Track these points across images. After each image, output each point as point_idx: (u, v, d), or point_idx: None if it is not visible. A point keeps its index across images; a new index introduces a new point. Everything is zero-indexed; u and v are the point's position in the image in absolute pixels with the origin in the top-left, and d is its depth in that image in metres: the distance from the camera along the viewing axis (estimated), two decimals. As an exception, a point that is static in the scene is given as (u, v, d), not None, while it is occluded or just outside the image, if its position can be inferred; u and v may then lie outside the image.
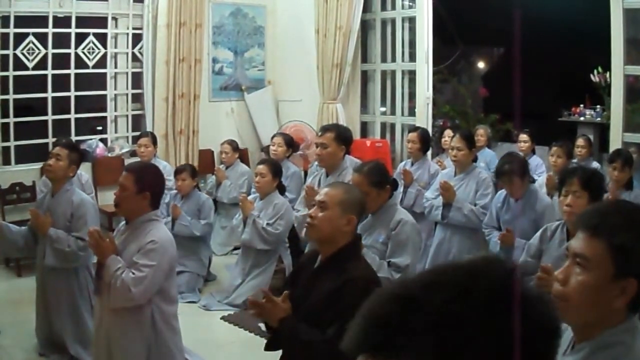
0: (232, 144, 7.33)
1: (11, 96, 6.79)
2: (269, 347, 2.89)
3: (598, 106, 8.41)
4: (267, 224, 5.45)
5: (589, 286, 1.50)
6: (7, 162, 6.89)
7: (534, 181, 4.80)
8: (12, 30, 6.70)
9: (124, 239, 3.43)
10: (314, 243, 4.18)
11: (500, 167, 4.69)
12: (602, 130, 7.85)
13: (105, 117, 7.67)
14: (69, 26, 7.08)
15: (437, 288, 0.78)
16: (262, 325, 4.82)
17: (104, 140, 7.57)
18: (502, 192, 4.88)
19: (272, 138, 6.78)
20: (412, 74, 7.71)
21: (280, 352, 2.85)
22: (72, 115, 7.32)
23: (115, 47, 7.58)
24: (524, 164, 4.76)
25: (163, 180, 3.63)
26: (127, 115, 7.79)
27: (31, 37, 6.86)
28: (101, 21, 7.41)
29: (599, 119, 8.27)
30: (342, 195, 2.83)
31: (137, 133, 7.31)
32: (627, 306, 1.50)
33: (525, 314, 0.77)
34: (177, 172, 6.21)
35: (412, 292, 0.79)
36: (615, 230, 1.51)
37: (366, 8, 7.87)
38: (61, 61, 7.14)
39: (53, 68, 7.04)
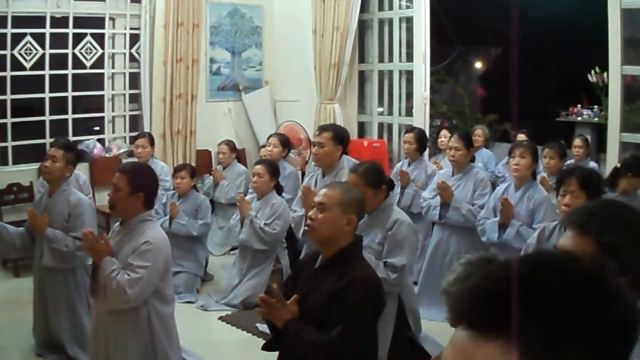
0: (230, 144, 7.33)
1: (9, 96, 6.78)
2: (267, 348, 2.89)
3: (595, 106, 8.42)
4: (265, 224, 5.45)
5: None
6: (4, 162, 6.88)
7: (535, 179, 4.82)
8: (9, 30, 6.69)
9: (118, 240, 3.43)
10: (311, 243, 4.19)
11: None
12: (600, 130, 7.86)
13: (102, 118, 7.67)
14: (67, 26, 7.08)
15: (548, 271, 0.81)
16: (260, 326, 4.86)
17: (101, 141, 7.57)
18: (502, 186, 4.92)
19: (268, 138, 6.79)
20: (409, 74, 7.71)
21: (278, 352, 2.86)
22: (70, 116, 7.32)
23: (113, 47, 7.58)
24: None
25: (157, 181, 3.64)
26: (124, 116, 7.79)
27: (29, 38, 6.85)
28: (99, 21, 7.40)
29: (596, 119, 8.28)
30: (341, 196, 2.83)
31: (135, 133, 7.31)
32: None
33: (619, 306, 0.80)
34: (176, 170, 6.21)
35: (524, 273, 0.80)
36: (604, 229, 1.51)
37: (363, 8, 7.87)
38: (59, 61, 7.13)
39: (50, 68, 7.03)
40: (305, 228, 2.91)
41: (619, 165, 4.96)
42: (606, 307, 0.79)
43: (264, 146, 7.49)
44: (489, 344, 0.78)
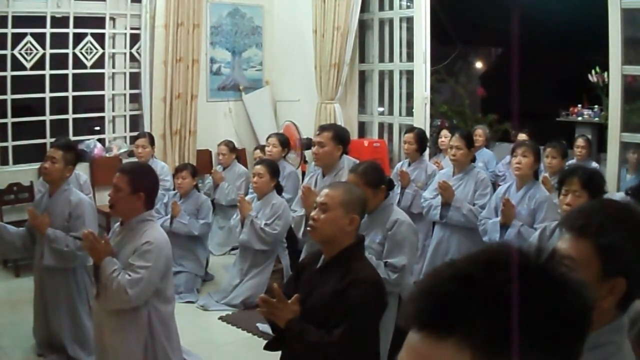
0: (229, 145, 7.33)
1: (9, 96, 6.78)
2: (269, 347, 2.88)
3: (596, 106, 8.42)
4: (265, 224, 5.45)
5: None
6: (5, 162, 6.88)
7: (537, 178, 4.82)
8: (9, 30, 6.70)
9: (119, 240, 3.43)
10: (311, 243, 4.19)
11: None
12: (600, 130, 7.86)
13: (103, 117, 7.67)
14: (67, 26, 7.08)
15: (494, 268, 0.81)
16: (260, 326, 4.86)
17: (101, 141, 7.57)
18: (505, 186, 4.92)
19: (267, 139, 6.79)
20: (409, 74, 7.70)
21: (279, 352, 2.85)
22: (70, 116, 7.32)
23: (113, 47, 7.58)
24: None
25: (157, 181, 3.63)
26: (124, 116, 7.79)
27: (29, 37, 6.85)
28: (99, 21, 7.40)
29: (596, 119, 8.28)
30: (343, 196, 2.82)
31: (135, 133, 7.31)
32: (616, 305, 1.49)
33: (566, 296, 0.81)
34: (178, 170, 6.21)
35: (470, 271, 0.81)
36: (602, 230, 1.49)
37: (364, 8, 7.86)
38: (59, 61, 7.14)
39: (51, 68, 7.03)
40: (308, 228, 2.90)
41: None
42: (554, 298, 0.80)
43: (257, 148, 7.52)
44: (441, 344, 0.78)
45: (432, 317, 0.80)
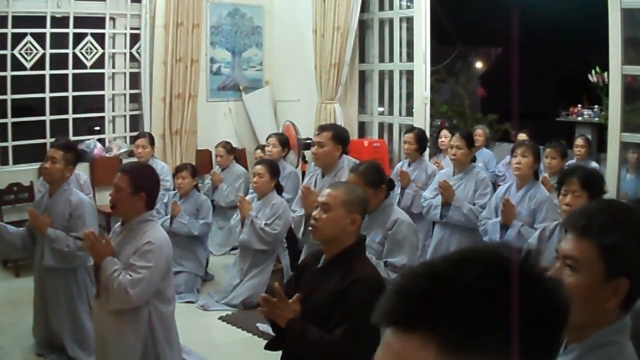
0: (226, 146, 7.30)
1: (9, 96, 6.78)
2: (269, 347, 2.88)
3: (596, 106, 8.42)
4: (265, 224, 5.45)
5: (580, 288, 1.48)
6: (5, 162, 6.88)
7: (537, 178, 4.83)
8: (9, 30, 6.70)
9: (120, 240, 3.42)
10: (311, 243, 4.19)
11: None
12: (600, 130, 7.86)
13: (103, 117, 7.67)
14: (67, 26, 7.08)
15: (465, 265, 0.81)
16: (260, 326, 4.86)
17: (101, 141, 7.57)
18: (505, 186, 4.92)
19: (267, 139, 6.79)
20: (409, 74, 7.70)
21: (279, 352, 2.85)
22: (70, 116, 7.32)
23: (113, 47, 7.58)
24: None
25: (158, 181, 3.63)
26: (124, 116, 7.79)
27: (29, 37, 6.85)
28: (99, 21, 7.40)
29: (596, 119, 8.27)
30: (344, 196, 2.82)
31: (135, 133, 7.31)
32: (619, 305, 1.49)
33: (537, 293, 0.81)
34: (178, 170, 6.21)
35: (441, 269, 0.82)
36: (604, 230, 1.49)
37: (364, 8, 7.86)
38: (59, 61, 7.14)
39: (51, 68, 7.03)
40: (309, 228, 2.90)
41: None
42: (525, 296, 0.79)
43: (259, 147, 7.51)
44: (409, 338, 0.79)
45: (400, 313, 0.81)
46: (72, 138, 6.98)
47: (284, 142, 6.69)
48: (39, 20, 6.91)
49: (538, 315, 0.80)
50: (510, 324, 0.77)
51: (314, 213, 2.85)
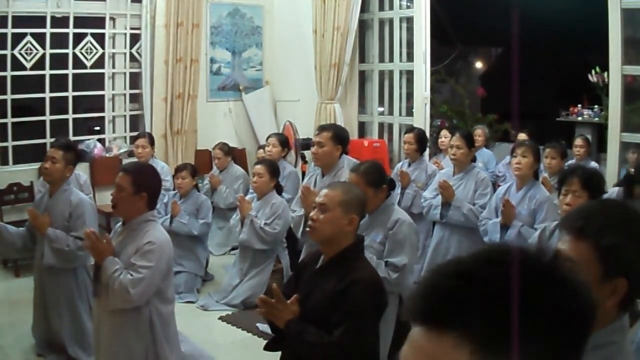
0: (223, 148, 7.28)
1: (9, 96, 6.79)
2: (269, 348, 2.88)
3: (596, 106, 8.42)
4: (265, 223, 5.45)
5: None
6: (5, 162, 6.88)
7: (537, 179, 4.82)
8: (9, 30, 6.70)
9: (121, 240, 3.42)
10: (311, 243, 4.19)
11: None
12: (600, 130, 7.86)
13: (103, 117, 7.68)
14: (67, 26, 7.09)
15: (496, 266, 0.82)
16: (260, 326, 4.86)
17: (101, 141, 7.57)
18: (505, 186, 4.92)
19: (267, 139, 6.79)
20: (409, 74, 7.71)
21: (279, 352, 2.85)
22: (70, 116, 7.32)
23: (113, 47, 7.58)
24: None
25: (160, 181, 3.63)
26: (125, 116, 7.79)
27: (29, 37, 6.85)
28: (99, 21, 7.40)
29: (596, 119, 8.28)
30: (342, 196, 2.82)
31: (135, 133, 7.31)
32: (617, 306, 1.48)
33: (566, 293, 0.82)
34: (177, 170, 6.21)
35: (472, 268, 0.82)
36: (601, 231, 1.48)
37: (364, 8, 7.87)
38: (59, 61, 7.14)
39: (51, 68, 7.04)
40: (307, 229, 2.90)
41: (632, 170, 4.94)
42: (556, 297, 0.80)
43: (261, 147, 7.50)
44: (441, 339, 0.79)
45: (433, 313, 0.81)
46: (72, 138, 6.98)
47: (283, 142, 6.69)
48: (39, 20, 6.91)
49: (567, 315, 0.81)
50: (542, 325, 0.78)
51: (311, 214, 2.85)
